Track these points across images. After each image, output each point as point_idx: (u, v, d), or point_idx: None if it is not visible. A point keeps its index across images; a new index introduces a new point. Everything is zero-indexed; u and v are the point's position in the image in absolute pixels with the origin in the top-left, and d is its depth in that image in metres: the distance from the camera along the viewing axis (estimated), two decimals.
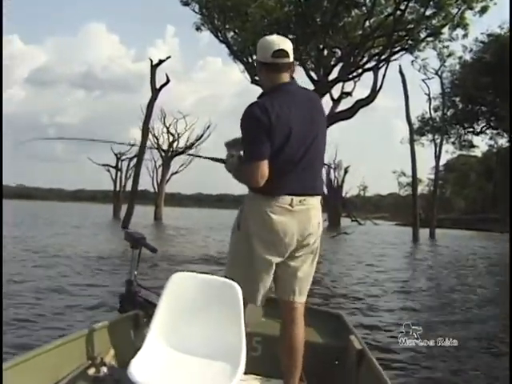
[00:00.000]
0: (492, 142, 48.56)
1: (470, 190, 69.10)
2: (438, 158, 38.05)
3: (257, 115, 2.81)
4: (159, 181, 49.63)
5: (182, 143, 50.25)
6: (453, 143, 42.61)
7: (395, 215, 76.50)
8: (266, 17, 26.16)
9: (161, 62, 30.09)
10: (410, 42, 27.90)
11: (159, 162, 50.10)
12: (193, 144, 50.21)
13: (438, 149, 38.19)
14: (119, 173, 52.39)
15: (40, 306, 7.38)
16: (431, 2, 25.22)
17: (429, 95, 40.55)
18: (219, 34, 29.73)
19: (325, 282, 11.10)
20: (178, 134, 49.88)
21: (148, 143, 38.80)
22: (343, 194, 57.00)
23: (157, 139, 49.09)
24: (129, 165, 50.43)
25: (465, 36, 28.17)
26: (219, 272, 3.09)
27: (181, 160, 50.70)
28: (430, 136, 41.14)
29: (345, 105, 29.48)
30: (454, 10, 25.74)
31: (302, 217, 2.91)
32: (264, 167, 2.81)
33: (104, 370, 3.00)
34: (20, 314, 6.74)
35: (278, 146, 2.83)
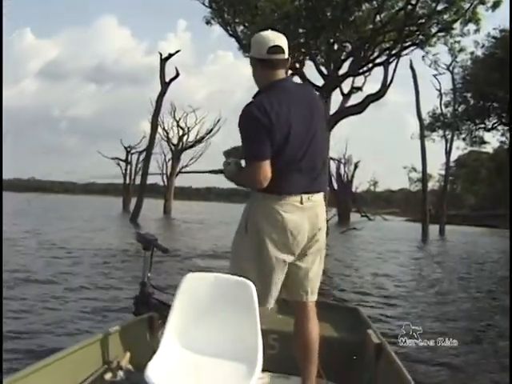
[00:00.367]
0: (503, 139, 48.12)
1: (480, 187, 68.62)
2: (448, 153, 37.91)
3: (256, 115, 2.78)
4: (169, 174, 49.69)
5: (191, 137, 50.35)
6: (463, 139, 42.17)
7: (405, 211, 76.25)
8: (276, 10, 25.95)
9: (170, 55, 30.18)
10: (421, 36, 27.57)
11: (169, 155, 50.24)
12: (203, 138, 50.34)
13: (448, 145, 38.02)
14: (129, 166, 52.56)
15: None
16: None
17: (440, 91, 40.38)
18: (229, 28, 29.59)
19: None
20: (188, 128, 49.97)
21: (158, 137, 38.96)
22: (353, 189, 56.90)
23: (167, 133, 49.24)
24: (138, 158, 50.58)
25: (477, 31, 27.82)
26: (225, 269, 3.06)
27: (191, 154, 50.84)
28: (440, 132, 40.83)
29: (355, 99, 29.35)
30: (466, 5, 25.42)
31: (311, 213, 2.92)
32: (266, 167, 2.78)
33: (121, 374, 2.99)
34: None
35: (279, 145, 2.80)
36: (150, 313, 3.60)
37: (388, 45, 27.50)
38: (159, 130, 41.21)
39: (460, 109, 40.73)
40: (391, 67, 27.55)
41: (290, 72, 3.12)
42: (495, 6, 25.48)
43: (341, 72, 28.14)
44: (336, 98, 28.05)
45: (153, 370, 2.35)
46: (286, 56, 2.94)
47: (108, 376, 2.95)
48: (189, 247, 15.85)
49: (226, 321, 2.68)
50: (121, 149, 51.79)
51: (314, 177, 2.95)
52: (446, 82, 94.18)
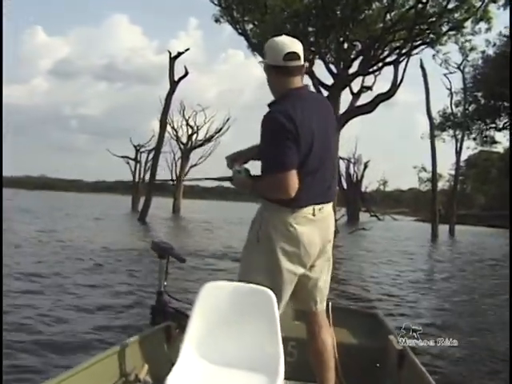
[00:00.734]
0: None
1: (490, 187, 68.21)
2: (458, 153, 37.68)
3: (282, 122, 2.67)
4: (178, 173, 49.71)
5: (201, 136, 50.39)
6: (474, 139, 41.97)
7: (415, 210, 76.05)
8: (286, 9, 25.92)
9: (179, 54, 30.13)
10: (431, 35, 27.42)
11: (178, 154, 50.30)
12: (212, 137, 50.35)
13: (458, 144, 37.80)
14: (138, 165, 52.60)
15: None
16: None
17: (450, 90, 40.14)
18: (238, 26, 29.53)
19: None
20: (197, 127, 50.00)
21: (167, 135, 38.95)
22: (363, 189, 56.82)
23: (176, 131, 49.28)
24: (148, 157, 50.57)
25: (488, 30, 27.72)
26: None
27: (200, 152, 50.88)
28: (451, 131, 40.68)
29: (364, 99, 29.20)
30: (478, 3, 25.25)
31: (322, 225, 2.87)
32: (294, 177, 2.69)
33: None
34: None
35: (303, 155, 2.72)
36: (166, 322, 3.55)
37: (398, 44, 27.37)
38: (168, 128, 41.22)
39: (470, 108, 40.51)
40: (401, 66, 27.44)
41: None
42: (507, 4, 25.25)
43: (350, 71, 28.02)
44: (345, 98, 27.90)
45: (172, 382, 2.31)
46: (302, 62, 2.85)
47: None
48: (196, 247, 15.74)
49: (246, 330, 2.63)
50: (130, 147, 51.80)
51: (326, 187, 2.91)
52: (456, 81, 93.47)
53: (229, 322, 2.65)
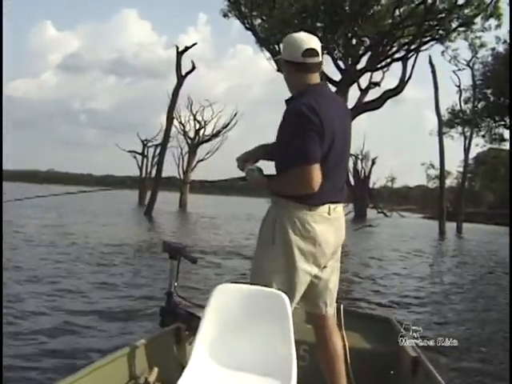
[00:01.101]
0: None
1: (498, 184, 67.86)
2: (467, 150, 37.46)
3: (306, 113, 2.61)
4: (185, 168, 49.72)
5: (208, 131, 50.36)
6: (483, 136, 41.73)
7: (423, 207, 75.79)
8: (294, 4, 25.83)
9: (187, 48, 30.07)
10: (440, 31, 27.23)
11: (185, 149, 50.31)
12: (219, 132, 50.28)
13: (467, 141, 37.57)
14: (145, 159, 52.61)
15: None
16: None
17: (459, 87, 39.85)
18: (246, 21, 29.42)
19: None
20: (205, 122, 49.95)
21: (174, 130, 38.96)
22: (370, 185, 56.67)
23: (183, 126, 49.26)
24: (155, 151, 50.55)
25: (498, 26, 27.44)
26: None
27: (207, 147, 50.86)
28: (459, 128, 40.45)
29: (372, 95, 29.09)
30: (488, 0, 25.09)
31: (337, 224, 2.84)
32: (319, 171, 2.63)
33: None
34: None
35: (324, 151, 2.67)
36: (176, 324, 3.49)
37: (407, 40, 27.22)
38: (176, 123, 41.26)
39: (480, 105, 40.26)
40: (410, 62, 27.36)
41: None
42: None
43: (359, 67, 27.92)
44: (353, 94, 27.83)
45: None
46: (321, 59, 2.82)
47: None
48: (202, 243, 15.66)
49: (258, 334, 2.59)
50: (138, 142, 51.86)
51: (340, 187, 2.88)
52: (465, 78, 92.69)
53: (241, 324, 2.60)
